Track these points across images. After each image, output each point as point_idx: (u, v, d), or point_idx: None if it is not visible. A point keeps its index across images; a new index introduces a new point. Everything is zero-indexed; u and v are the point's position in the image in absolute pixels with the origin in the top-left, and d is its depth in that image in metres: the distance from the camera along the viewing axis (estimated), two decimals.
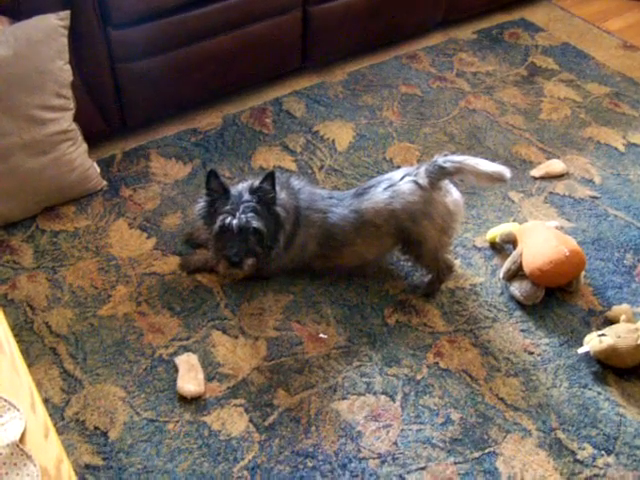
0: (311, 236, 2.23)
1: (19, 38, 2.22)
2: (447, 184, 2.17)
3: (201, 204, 2.18)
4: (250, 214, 2.08)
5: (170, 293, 2.31)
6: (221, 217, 2.10)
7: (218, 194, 2.13)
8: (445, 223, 2.17)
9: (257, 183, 2.10)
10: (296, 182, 2.27)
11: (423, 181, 2.13)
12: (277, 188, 2.14)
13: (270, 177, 2.09)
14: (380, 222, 2.17)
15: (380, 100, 3.14)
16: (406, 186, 2.14)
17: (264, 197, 2.11)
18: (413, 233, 2.17)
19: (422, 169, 2.14)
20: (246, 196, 2.10)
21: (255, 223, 2.08)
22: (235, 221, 2.08)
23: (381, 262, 2.42)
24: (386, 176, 2.22)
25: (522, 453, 1.94)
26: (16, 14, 2.32)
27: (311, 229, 2.22)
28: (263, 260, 2.21)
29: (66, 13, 2.30)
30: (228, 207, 2.10)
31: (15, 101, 2.26)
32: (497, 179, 2.12)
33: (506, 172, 2.10)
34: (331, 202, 2.24)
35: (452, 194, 2.18)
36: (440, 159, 2.11)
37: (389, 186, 2.16)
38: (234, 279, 2.35)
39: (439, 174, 2.11)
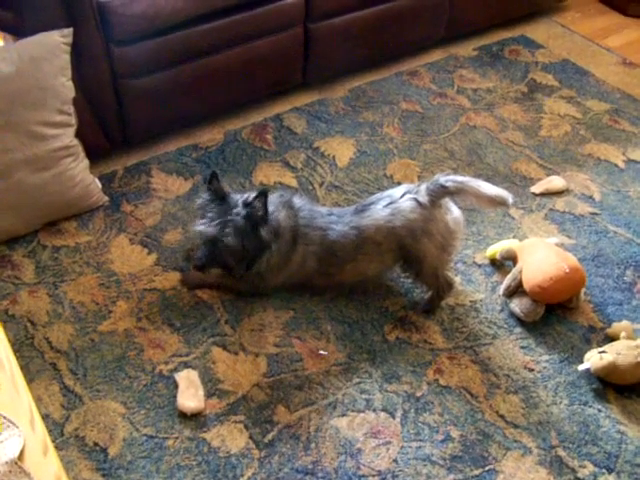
0: (311, 253, 2.24)
1: (22, 55, 2.24)
2: (447, 202, 2.17)
3: (202, 200, 2.19)
4: (227, 229, 2.09)
5: (171, 309, 2.31)
6: (201, 221, 2.13)
7: (216, 196, 2.15)
8: (445, 241, 2.18)
9: (250, 198, 2.11)
10: (297, 200, 2.27)
11: (423, 199, 2.13)
12: (277, 207, 2.17)
13: (262, 196, 2.09)
14: (380, 239, 2.18)
15: (381, 116, 3.15)
16: (406, 204, 2.15)
17: (253, 214, 2.11)
18: (413, 250, 2.18)
19: (423, 187, 2.15)
20: (238, 209, 2.11)
21: (228, 239, 2.09)
22: (209, 230, 2.10)
23: (381, 279, 2.42)
24: (386, 193, 2.23)
25: (522, 471, 1.94)
26: (19, 31, 2.34)
27: (310, 246, 2.23)
28: (241, 274, 2.24)
29: (69, 30, 2.31)
30: (212, 213, 2.12)
31: (17, 117, 2.27)
32: (499, 203, 2.11)
33: (508, 197, 2.09)
34: (331, 219, 2.24)
35: (452, 212, 2.19)
36: (442, 178, 2.11)
37: (389, 203, 2.17)
38: (233, 293, 2.35)
39: (440, 193, 2.12)
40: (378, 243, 2.18)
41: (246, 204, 2.11)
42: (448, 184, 2.10)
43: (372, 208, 2.19)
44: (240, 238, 2.11)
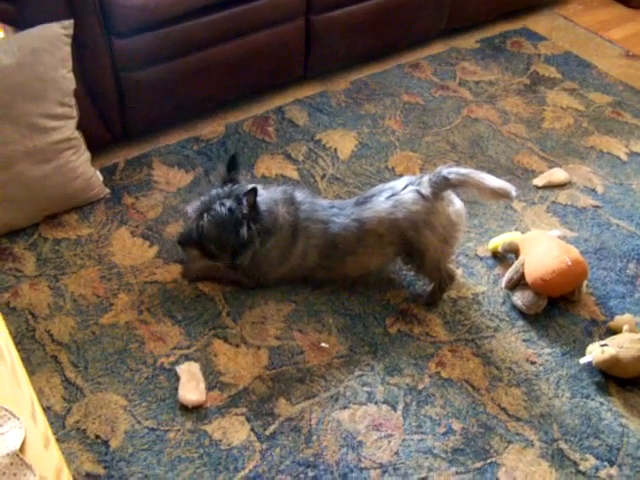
0: (312, 247, 2.23)
1: (22, 47, 2.23)
2: (449, 194, 2.16)
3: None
4: (207, 217, 2.11)
5: (172, 301, 2.31)
6: (194, 202, 2.18)
7: (223, 181, 2.18)
8: (447, 233, 2.17)
9: (242, 194, 2.10)
10: (299, 194, 2.26)
11: (426, 191, 2.12)
12: (277, 203, 2.19)
13: (251, 193, 2.08)
14: (382, 231, 2.17)
15: (382, 109, 3.15)
16: (408, 195, 2.14)
17: (238, 210, 2.10)
18: (415, 243, 2.17)
19: (425, 179, 2.14)
20: (227, 199, 2.11)
21: (204, 226, 2.11)
22: (191, 213, 2.15)
23: (383, 271, 2.42)
24: (388, 185, 2.22)
25: (524, 463, 1.94)
26: (20, 23, 2.33)
27: (312, 240, 2.22)
28: (227, 264, 2.27)
29: (70, 22, 2.30)
30: (206, 197, 2.15)
31: (18, 109, 2.27)
32: (502, 195, 2.11)
33: (512, 189, 2.08)
34: (332, 212, 2.23)
35: (454, 204, 2.18)
36: (444, 170, 2.10)
37: (391, 195, 2.16)
38: (234, 286, 2.35)
39: (442, 185, 2.11)
40: (380, 235, 2.18)
41: (236, 198, 2.11)
42: (451, 176, 2.09)
43: (374, 200, 2.18)
44: (218, 228, 2.11)
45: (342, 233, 2.19)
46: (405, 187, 2.16)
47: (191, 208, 2.17)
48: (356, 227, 2.18)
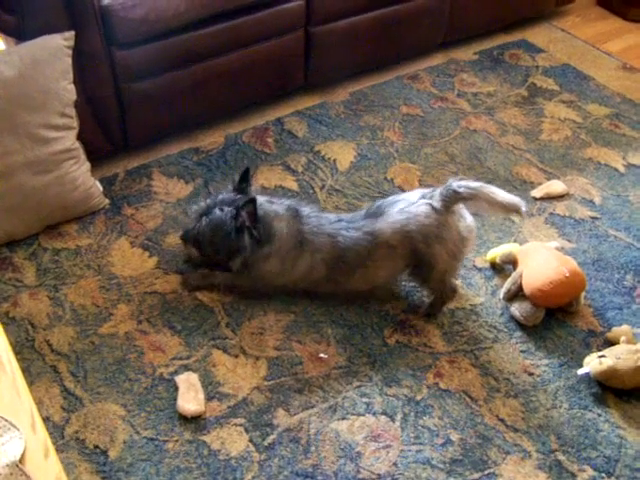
0: (319, 260, 2.23)
1: (24, 58, 2.25)
2: (461, 209, 2.17)
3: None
4: (206, 220, 2.20)
5: (171, 312, 2.31)
6: (199, 202, 2.30)
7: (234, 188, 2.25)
8: (457, 248, 2.17)
9: (241, 205, 2.15)
10: (305, 209, 2.28)
11: (438, 204, 2.12)
12: (278, 216, 2.22)
13: (250, 204, 2.14)
14: (395, 243, 2.16)
15: (381, 120, 3.16)
16: (421, 208, 2.13)
17: (238, 218, 2.16)
18: (425, 256, 2.16)
19: (437, 192, 2.14)
20: (227, 206, 2.18)
21: (202, 228, 2.21)
22: (193, 213, 2.28)
23: (388, 285, 2.42)
24: (401, 197, 2.22)
25: (522, 475, 1.94)
26: (21, 35, 2.34)
27: (317, 254, 2.22)
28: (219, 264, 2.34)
29: (71, 33, 2.32)
30: (209, 200, 2.24)
31: (19, 120, 2.28)
32: (512, 210, 2.12)
33: (522, 205, 2.10)
34: (340, 225, 2.23)
35: (466, 219, 2.18)
36: (454, 183, 2.10)
37: (405, 207, 2.16)
38: (235, 292, 2.36)
39: (453, 198, 2.11)
40: (392, 247, 2.17)
41: (236, 207, 2.16)
42: (461, 190, 2.09)
43: (387, 212, 2.17)
44: (213, 232, 2.19)
45: (353, 247, 2.18)
46: (418, 200, 2.16)
47: (195, 208, 2.28)
48: (368, 240, 2.17)
